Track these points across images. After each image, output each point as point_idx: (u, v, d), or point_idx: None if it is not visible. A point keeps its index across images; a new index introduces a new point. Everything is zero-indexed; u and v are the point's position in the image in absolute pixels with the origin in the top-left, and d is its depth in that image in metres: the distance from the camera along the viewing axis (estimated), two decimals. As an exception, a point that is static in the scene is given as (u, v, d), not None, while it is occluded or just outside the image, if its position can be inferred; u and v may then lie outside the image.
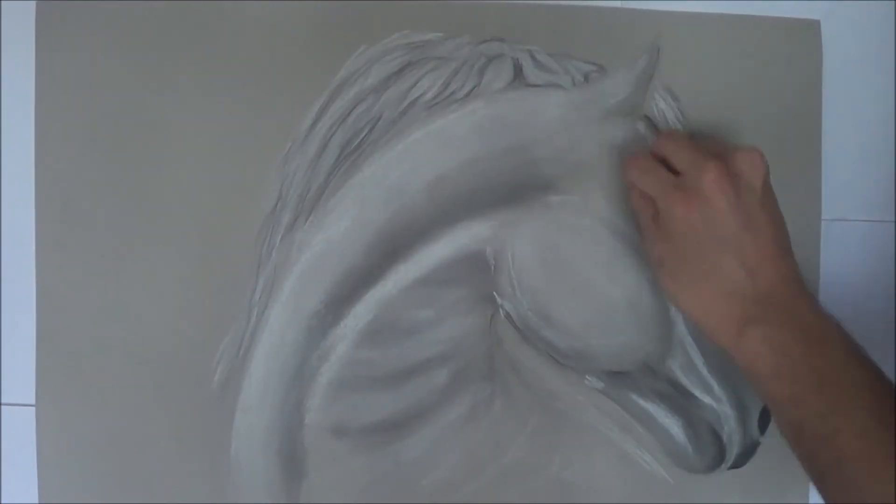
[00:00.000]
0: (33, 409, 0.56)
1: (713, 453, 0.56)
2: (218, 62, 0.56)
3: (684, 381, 0.55)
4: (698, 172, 0.47)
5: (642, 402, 0.56)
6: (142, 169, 0.56)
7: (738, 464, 0.55)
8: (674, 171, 0.49)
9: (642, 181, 0.50)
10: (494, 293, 0.56)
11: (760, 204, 0.47)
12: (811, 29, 0.58)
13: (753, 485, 0.57)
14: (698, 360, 0.55)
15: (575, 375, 0.57)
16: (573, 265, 0.55)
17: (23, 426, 0.56)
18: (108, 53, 0.56)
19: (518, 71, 0.56)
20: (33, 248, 0.56)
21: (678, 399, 0.56)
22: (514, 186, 0.55)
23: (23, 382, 0.56)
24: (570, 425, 0.57)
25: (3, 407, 0.57)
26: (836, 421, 0.44)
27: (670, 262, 0.49)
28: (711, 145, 0.50)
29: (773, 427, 0.54)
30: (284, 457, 0.56)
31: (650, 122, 0.56)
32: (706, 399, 0.55)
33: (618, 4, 0.57)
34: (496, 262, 0.55)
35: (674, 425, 0.56)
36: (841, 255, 0.58)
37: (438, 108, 0.55)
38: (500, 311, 0.56)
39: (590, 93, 0.55)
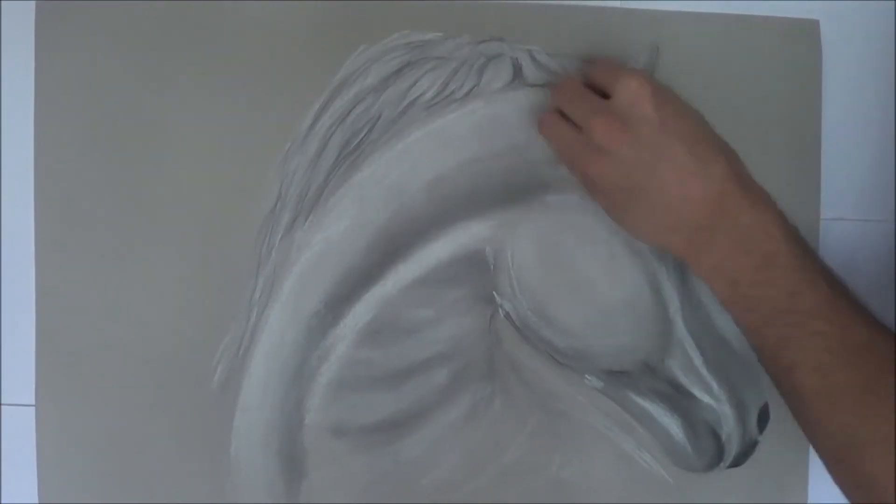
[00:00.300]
0: (33, 409, 0.56)
1: (712, 452, 0.56)
2: (217, 62, 0.56)
3: (683, 380, 0.55)
4: (589, 127, 0.48)
5: (641, 402, 0.56)
6: (141, 169, 0.56)
7: (737, 463, 0.55)
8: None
9: (552, 139, 0.52)
10: (494, 293, 0.56)
11: (660, 127, 0.47)
12: (810, 29, 0.58)
13: (752, 484, 0.57)
14: (697, 360, 0.55)
15: (574, 375, 0.57)
16: (573, 265, 0.55)
17: (22, 426, 0.56)
18: (108, 53, 0.56)
19: (517, 71, 0.56)
20: (33, 247, 0.56)
21: (677, 398, 0.56)
22: (514, 186, 0.55)
23: (22, 382, 0.56)
24: (569, 425, 0.57)
25: (2, 407, 0.57)
26: (790, 355, 0.45)
27: (609, 192, 0.49)
28: (600, 77, 0.50)
29: (771, 426, 0.54)
30: (284, 456, 0.56)
31: (649, 121, 0.56)
32: (705, 398, 0.55)
33: (617, 4, 0.57)
34: (495, 262, 0.55)
35: (673, 424, 0.56)
36: (840, 255, 0.58)
37: (438, 107, 0.55)
38: (500, 310, 0.56)
39: (589, 92, 0.55)
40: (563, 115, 0.51)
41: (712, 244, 0.47)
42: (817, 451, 0.46)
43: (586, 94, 0.50)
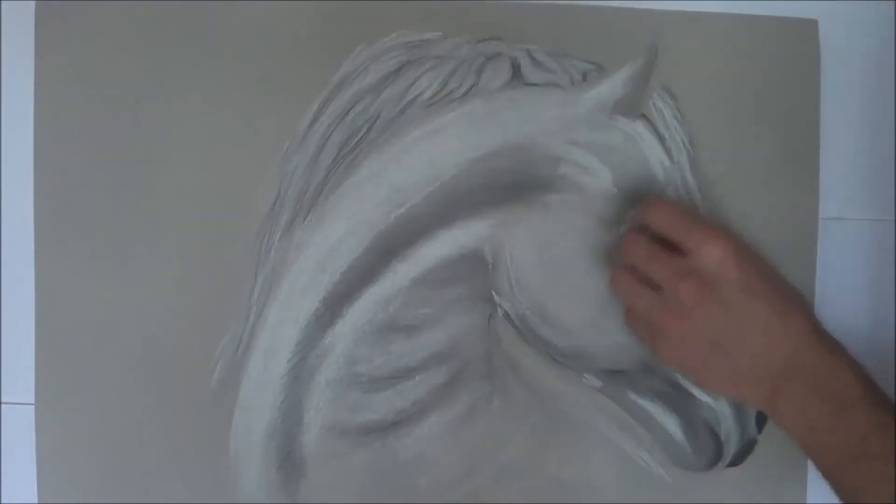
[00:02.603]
0: (32, 407, 0.56)
1: (711, 452, 0.56)
2: (216, 62, 0.56)
3: (682, 379, 0.55)
4: (675, 289, 0.48)
5: (640, 401, 0.56)
6: (140, 168, 0.56)
7: (735, 462, 0.55)
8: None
9: (629, 299, 0.52)
10: (493, 292, 0.56)
11: (746, 288, 0.48)
12: (809, 28, 0.58)
13: (751, 483, 0.57)
14: (697, 360, 0.55)
15: (573, 374, 0.57)
16: (571, 264, 0.55)
17: (22, 425, 0.56)
18: (107, 53, 0.56)
19: (516, 70, 0.56)
20: (32, 247, 0.56)
21: (676, 398, 0.56)
22: (513, 186, 0.55)
23: (22, 381, 0.56)
24: (568, 424, 0.57)
25: (2, 406, 0.57)
26: (866, 498, 0.46)
27: (690, 350, 0.50)
28: (677, 233, 0.50)
29: (770, 425, 0.54)
30: (283, 456, 0.56)
31: (648, 121, 0.56)
32: (704, 398, 0.55)
33: (616, 4, 0.57)
34: (494, 261, 0.55)
35: (672, 424, 0.56)
36: (839, 255, 0.58)
37: (436, 107, 0.55)
38: (499, 310, 0.56)
39: (588, 92, 0.55)
40: (634, 270, 0.51)
41: (791, 393, 0.48)
42: None
43: (663, 255, 0.50)
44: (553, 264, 0.55)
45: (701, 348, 0.49)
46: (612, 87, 0.55)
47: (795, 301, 0.49)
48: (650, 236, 0.51)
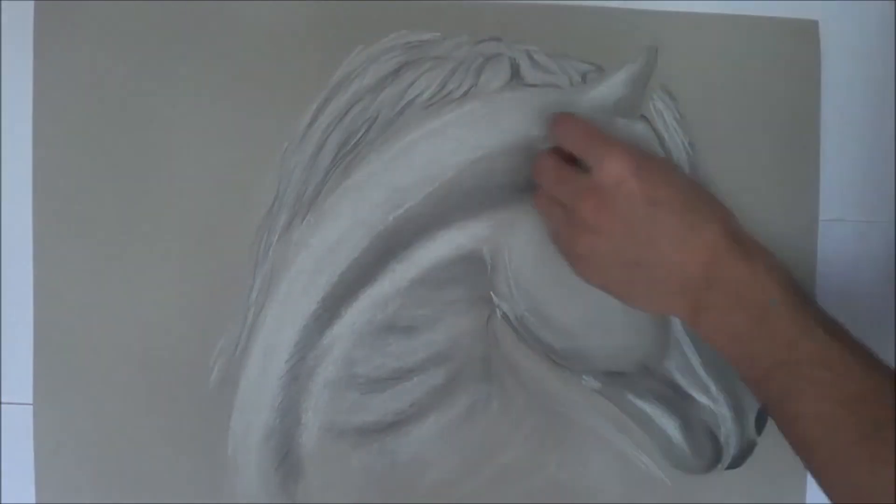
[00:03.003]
0: (31, 407, 0.56)
1: (710, 454, 0.56)
2: (215, 62, 0.56)
3: (681, 381, 0.55)
4: (576, 208, 0.48)
5: (639, 403, 0.56)
6: (139, 168, 0.56)
7: (734, 464, 0.55)
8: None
9: (546, 219, 0.52)
10: (491, 293, 0.56)
11: (648, 201, 0.47)
12: (810, 29, 0.58)
13: (750, 485, 0.57)
14: (695, 361, 0.55)
15: (572, 376, 0.57)
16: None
17: (21, 425, 0.56)
18: (106, 53, 0.56)
19: (515, 71, 0.56)
20: (31, 246, 0.56)
21: (675, 400, 0.56)
22: (512, 187, 0.55)
23: (21, 381, 0.56)
24: (567, 426, 0.57)
25: (1, 406, 0.57)
26: (792, 406, 0.45)
27: (603, 269, 0.50)
28: (576, 147, 0.50)
29: (769, 427, 0.54)
30: (281, 456, 0.56)
31: (648, 122, 0.56)
32: (703, 400, 0.55)
33: (615, 4, 0.57)
34: (493, 263, 0.55)
35: (671, 426, 0.56)
36: (839, 256, 0.58)
37: (435, 107, 0.55)
38: (497, 311, 0.56)
39: (587, 93, 0.55)
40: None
41: (710, 303, 0.47)
42: (830, 500, 0.45)
43: (567, 174, 0.50)
44: (552, 266, 0.54)
45: (617, 266, 0.49)
46: (611, 88, 0.55)
47: (707, 210, 0.48)
48: (564, 156, 0.51)
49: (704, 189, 0.50)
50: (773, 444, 0.55)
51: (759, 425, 0.55)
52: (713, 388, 0.55)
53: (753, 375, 0.47)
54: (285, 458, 0.56)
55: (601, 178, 0.48)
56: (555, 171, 0.51)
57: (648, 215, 0.47)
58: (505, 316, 0.56)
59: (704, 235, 0.47)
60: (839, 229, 0.59)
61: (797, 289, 0.47)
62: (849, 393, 0.44)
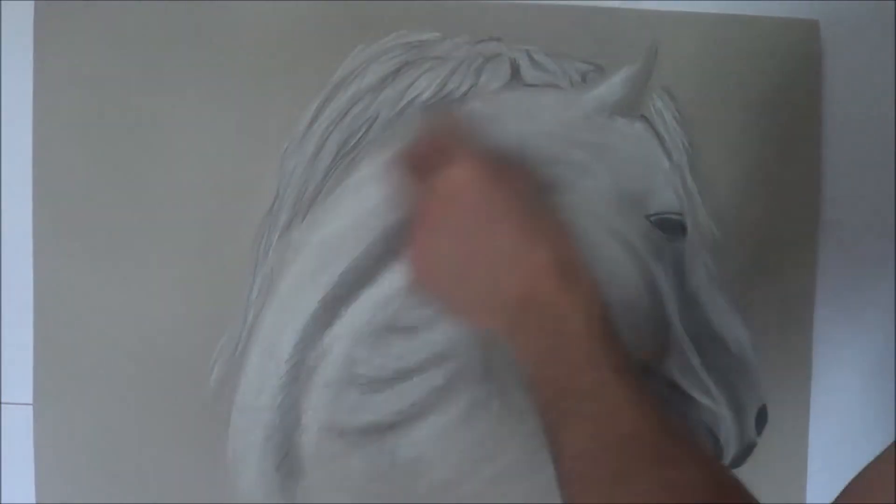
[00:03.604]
0: (31, 407, 0.56)
1: (710, 454, 0.56)
2: (216, 62, 0.56)
3: (681, 382, 0.55)
4: (417, 208, 0.49)
5: (639, 403, 0.56)
6: (139, 168, 0.56)
7: (734, 464, 0.55)
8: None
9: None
10: (491, 293, 0.56)
11: (485, 216, 0.47)
12: (810, 29, 0.58)
13: (750, 485, 0.57)
14: (696, 362, 0.55)
15: (572, 376, 0.56)
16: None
17: (21, 425, 0.56)
18: (106, 53, 0.56)
19: (515, 71, 0.56)
20: (31, 246, 0.56)
21: (675, 400, 0.55)
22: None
23: (21, 381, 0.56)
24: (567, 426, 0.57)
25: (1, 406, 0.57)
26: (560, 439, 0.43)
27: (435, 277, 0.50)
28: (428, 155, 0.50)
29: (769, 428, 0.54)
30: (281, 456, 0.56)
31: (648, 122, 0.56)
32: (703, 400, 0.55)
33: (615, 4, 0.57)
34: (492, 262, 0.55)
35: (670, 426, 0.56)
36: (839, 257, 0.58)
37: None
38: (497, 311, 0.56)
39: (587, 93, 0.55)
40: None
41: (522, 325, 0.46)
42: None
43: (417, 174, 0.50)
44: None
45: (445, 275, 0.49)
46: (611, 88, 0.54)
47: (541, 234, 0.47)
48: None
49: (551, 210, 0.50)
50: (773, 444, 0.55)
51: (759, 426, 0.55)
52: (713, 389, 0.55)
53: (541, 401, 0.45)
54: (285, 458, 0.56)
55: (444, 184, 0.47)
56: (404, 171, 0.51)
57: (482, 232, 0.47)
58: (504, 316, 0.56)
59: (532, 258, 0.46)
60: (840, 229, 0.59)
61: (606, 325, 0.45)
62: (613, 433, 0.42)
